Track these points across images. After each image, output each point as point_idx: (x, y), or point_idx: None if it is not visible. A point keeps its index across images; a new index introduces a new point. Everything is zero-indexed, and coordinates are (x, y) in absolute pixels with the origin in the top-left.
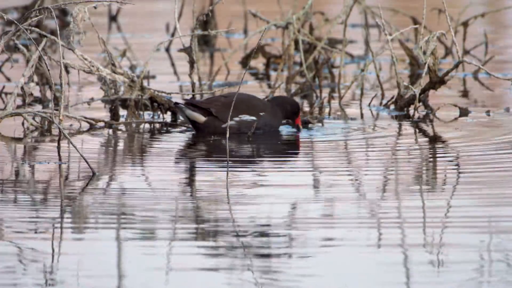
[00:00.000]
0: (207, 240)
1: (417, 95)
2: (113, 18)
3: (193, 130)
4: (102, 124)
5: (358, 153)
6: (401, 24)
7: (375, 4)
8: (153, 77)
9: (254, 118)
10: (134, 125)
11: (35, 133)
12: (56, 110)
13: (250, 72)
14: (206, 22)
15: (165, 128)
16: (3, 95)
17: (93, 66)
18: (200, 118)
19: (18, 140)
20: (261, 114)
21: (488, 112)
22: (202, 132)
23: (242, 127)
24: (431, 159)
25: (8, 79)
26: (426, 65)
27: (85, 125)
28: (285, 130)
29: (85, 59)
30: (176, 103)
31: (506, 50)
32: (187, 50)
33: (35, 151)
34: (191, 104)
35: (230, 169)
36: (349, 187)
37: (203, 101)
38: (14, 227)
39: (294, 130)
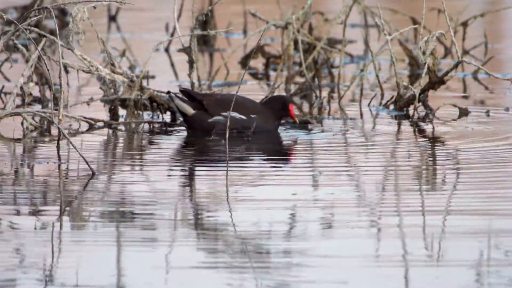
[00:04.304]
0: (206, 240)
1: (417, 95)
2: (112, 18)
3: (184, 123)
4: (101, 124)
5: (357, 153)
6: (400, 24)
7: (375, 4)
8: (153, 77)
9: (243, 117)
10: (133, 125)
11: (35, 133)
12: (56, 110)
13: (249, 72)
14: (205, 22)
15: (164, 128)
16: (2, 95)
17: (92, 66)
18: (189, 110)
19: (18, 140)
20: (252, 116)
21: (487, 112)
22: (191, 125)
23: (229, 124)
24: (431, 159)
25: (8, 79)
26: (426, 66)
27: (84, 125)
28: (284, 130)
29: (85, 59)
30: (168, 92)
31: (505, 50)
32: (186, 50)
33: (34, 151)
34: (187, 92)
35: (229, 169)
36: (348, 187)
37: (200, 93)
38: (14, 227)
39: (289, 130)
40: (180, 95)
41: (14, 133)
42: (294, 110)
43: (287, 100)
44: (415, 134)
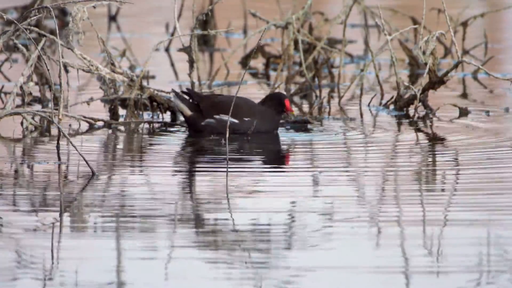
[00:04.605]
0: (206, 240)
1: (418, 95)
2: (112, 18)
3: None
4: (101, 123)
5: (357, 153)
6: (400, 24)
7: (375, 4)
8: (153, 77)
9: (235, 120)
10: (133, 124)
11: (34, 133)
12: (56, 109)
13: (249, 72)
14: (205, 22)
15: (164, 128)
16: (2, 95)
17: (92, 65)
18: (187, 111)
19: (17, 140)
20: (246, 119)
21: (487, 112)
22: (188, 126)
23: (220, 127)
24: (431, 160)
25: (8, 79)
26: (428, 65)
27: (84, 125)
28: (284, 131)
29: (84, 58)
30: (173, 90)
31: (505, 50)
32: (186, 49)
33: (34, 151)
34: (189, 94)
35: (229, 169)
36: (348, 187)
37: (202, 94)
38: (14, 228)
39: (290, 131)
40: (182, 95)
41: (14, 133)
42: (291, 105)
43: (282, 95)
44: (415, 134)
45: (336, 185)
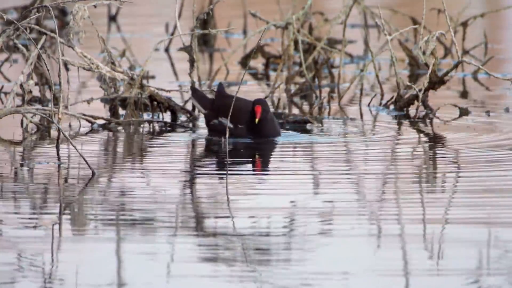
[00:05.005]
0: (206, 241)
1: (420, 95)
2: (112, 18)
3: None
4: (101, 121)
5: (357, 154)
6: (400, 24)
7: (375, 4)
8: (153, 77)
9: (231, 125)
10: (133, 124)
11: (35, 133)
12: (56, 109)
13: (249, 72)
14: (205, 21)
15: (164, 128)
16: (2, 95)
17: (92, 64)
18: (202, 109)
19: (17, 140)
20: (240, 126)
21: (487, 112)
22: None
23: (220, 130)
24: (431, 161)
25: (8, 79)
26: (431, 66)
27: (84, 126)
28: (284, 131)
29: (85, 56)
30: (191, 87)
31: (505, 50)
32: (187, 49)
33: (34, 152)
34: (218, 89)
35: (229, 170)
36: (348, 190)
37: (225, 93)
38: (13, 228)
39: (289, 132)
40: (201, 92)
41: (14, 133)
42: (261, 112)
43: (255, 102)
44: (415, 135)
45: (336, 187)
